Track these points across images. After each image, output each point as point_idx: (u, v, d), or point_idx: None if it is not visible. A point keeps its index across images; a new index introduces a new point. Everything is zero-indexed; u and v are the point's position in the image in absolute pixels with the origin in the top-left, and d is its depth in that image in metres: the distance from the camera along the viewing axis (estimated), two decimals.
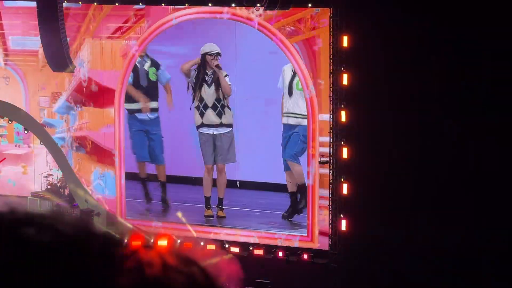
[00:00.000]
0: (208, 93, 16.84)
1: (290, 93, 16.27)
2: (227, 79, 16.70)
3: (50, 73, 17.99)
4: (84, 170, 18.36)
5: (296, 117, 16.37)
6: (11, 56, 18.69)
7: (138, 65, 17.42)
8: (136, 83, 17.50)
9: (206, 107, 16.89)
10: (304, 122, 16.27)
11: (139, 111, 17.56)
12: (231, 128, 16.91)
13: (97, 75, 17.89)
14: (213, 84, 16.79)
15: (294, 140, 16.37)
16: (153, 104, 17.48)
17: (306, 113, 16.23)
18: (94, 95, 18.00)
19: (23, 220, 1.34)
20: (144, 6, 17.16)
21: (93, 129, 18.12)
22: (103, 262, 1.32)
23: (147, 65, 17.39)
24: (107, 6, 17.45)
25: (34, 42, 17.91)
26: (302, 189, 16.44)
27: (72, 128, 18.43)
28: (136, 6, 17.24)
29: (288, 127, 16.42)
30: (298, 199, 16.53)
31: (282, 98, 16.38)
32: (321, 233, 16.37)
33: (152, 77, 17.35)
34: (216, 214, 17.23)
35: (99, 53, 17.75)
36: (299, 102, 16.29)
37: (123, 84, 17.57)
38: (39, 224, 1.34)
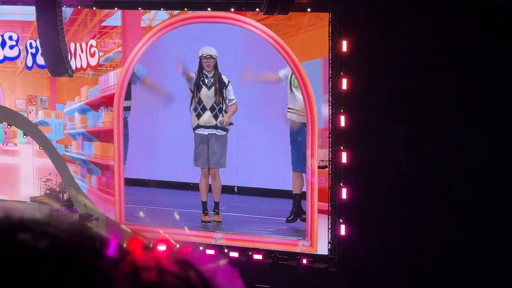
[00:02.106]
0: (207, 95, 16.85)
1: (290, 90, 16.35)
2: (230, 87, 16.74)
3: (26, 76, 18.50)
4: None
5: (296, 113, 16.40)
6: None
7: None
8: None
9: (204, 109, 16.91)
10: (304, 119, 16.33)
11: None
12: (225, 132, 16.93)
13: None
14: (213, 87, 16.80)
15: (293, 149, 16.47)
16: (127, 103, 17.63)
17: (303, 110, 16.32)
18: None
19: (18, 226, 1.33)
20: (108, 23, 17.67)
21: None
22: (99, 266, 1.31)
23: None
24: (88, 24, 17.75)
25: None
26: (304, 196, 16.47)
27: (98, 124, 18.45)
28: (103, 24, 17.73)
29: (291, 125, 16.47)
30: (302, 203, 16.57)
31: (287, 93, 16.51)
32: (320, 237, 16.39)
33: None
34: (213, 219, 17.22)
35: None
36: (297, 97, 16.32)
37: (122, 88, 17.61)
38: (34, 229, 1.33)
